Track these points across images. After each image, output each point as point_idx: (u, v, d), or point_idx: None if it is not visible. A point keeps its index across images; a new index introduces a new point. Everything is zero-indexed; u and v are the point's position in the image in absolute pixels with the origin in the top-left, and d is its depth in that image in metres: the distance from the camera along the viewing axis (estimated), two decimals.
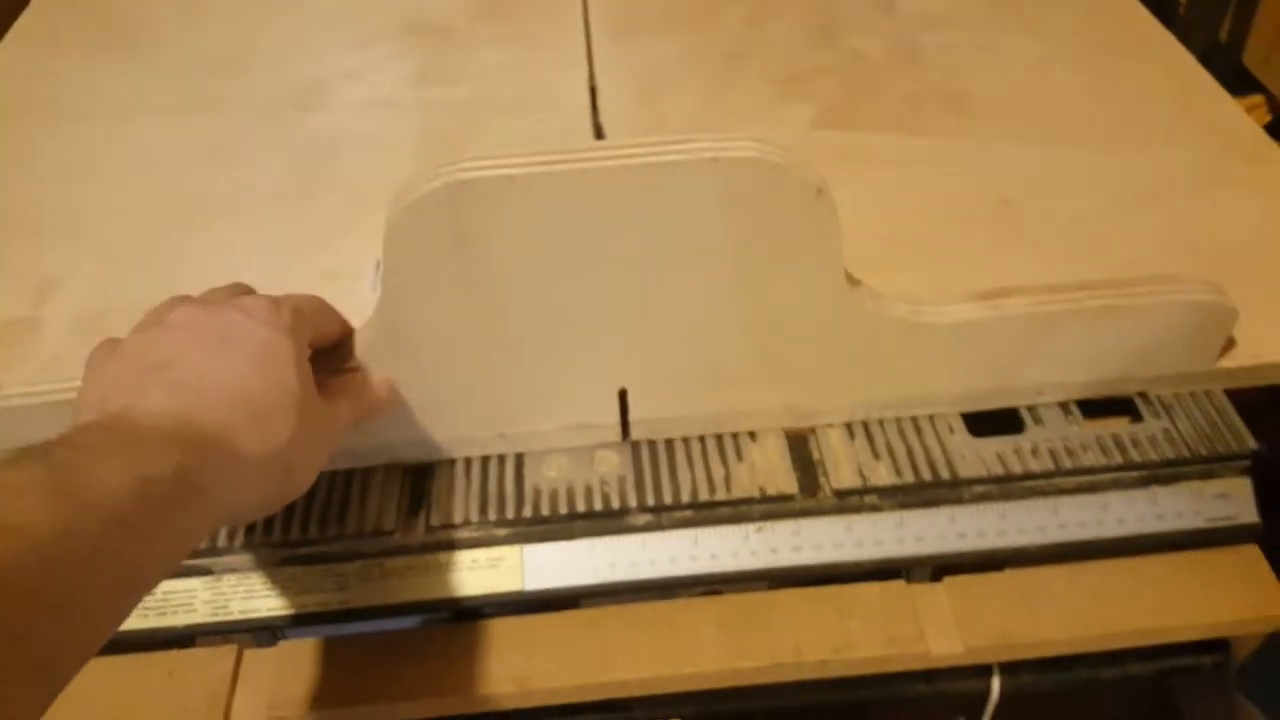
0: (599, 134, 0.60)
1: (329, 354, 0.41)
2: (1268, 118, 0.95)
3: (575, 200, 0.35)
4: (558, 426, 0.44)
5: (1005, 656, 0.46)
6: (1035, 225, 0.52)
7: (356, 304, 0.45)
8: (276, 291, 0.39)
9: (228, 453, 0.32)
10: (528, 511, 0.43)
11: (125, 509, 0.28)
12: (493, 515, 0.43)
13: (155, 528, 0.29)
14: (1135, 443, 0.45)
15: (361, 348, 0.40)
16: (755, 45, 0.67)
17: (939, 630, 0.45)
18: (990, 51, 0.64)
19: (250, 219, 0.57)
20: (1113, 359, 0.44)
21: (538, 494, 0.44)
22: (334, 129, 0.63)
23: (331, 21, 0.73)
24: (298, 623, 0.45)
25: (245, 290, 0.40)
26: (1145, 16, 0.68)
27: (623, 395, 0.42)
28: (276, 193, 0.58)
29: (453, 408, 0.43)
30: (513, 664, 0.44)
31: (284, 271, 0.53)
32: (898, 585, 0.46)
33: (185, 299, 0.38)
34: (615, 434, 0.44)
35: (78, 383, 0.37)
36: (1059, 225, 0.52)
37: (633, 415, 0.43)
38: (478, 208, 0.35)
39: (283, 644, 0.46)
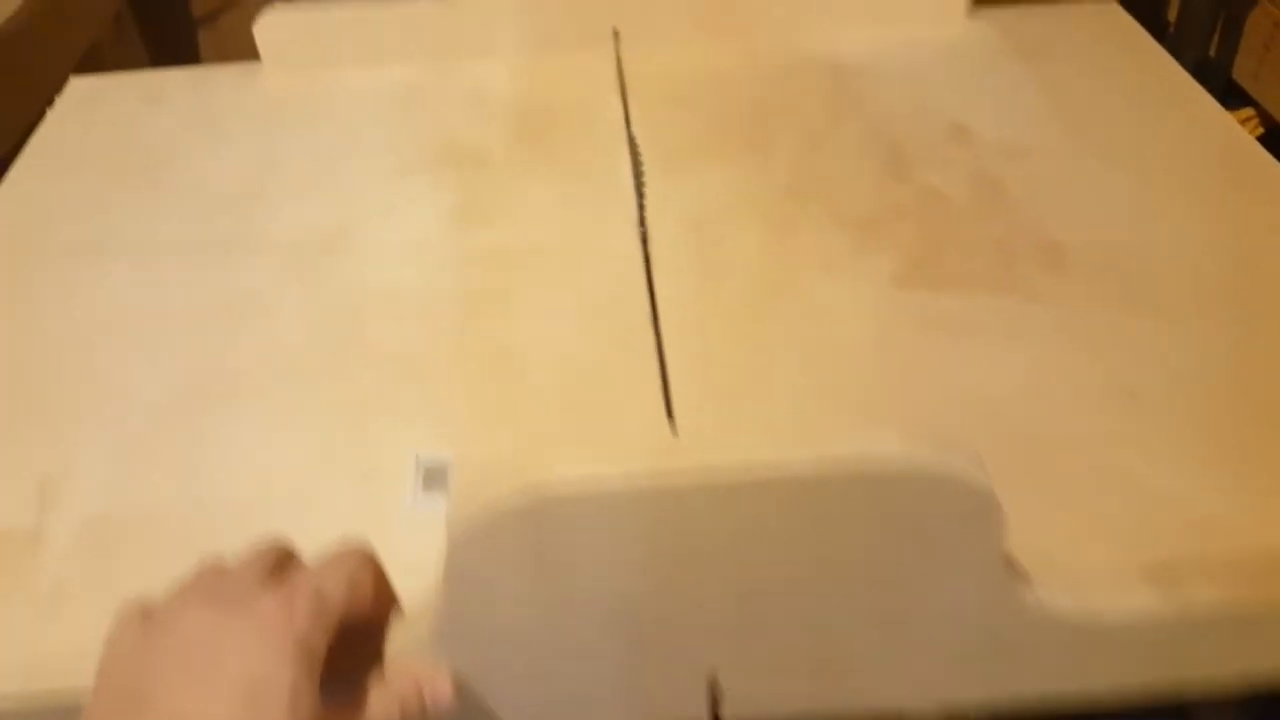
0: (653, 298, 0.51)
1: (367, 631, 0.33)
2: (1260, 130, 0.91)
3: (681, 516, 0.26)
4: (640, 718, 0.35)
5: None
6: (1168, 425, 0.42)
7: (397, 512, 0.42)
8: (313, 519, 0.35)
9: None
10: None
11: None
12: None
13: None
14: None
15: (413, 644, 0.32)
16: (816, 178, 0.58)
17: None
18: (1078, 186, 0.55)
19: (275, 398, 0.48)
20: None
21: None
22: (364, 281, 0.54)
23: (360, 146, 0.64)
24: None
25: (279, 561, 0.32)
26: (1243, 137, 0.59)
27: (714, 686, 0.34)
28: (303, 363, 0.50)
29: (519, 700, 0.34)
30: None
31: (315, 478, 0.44)
32: None
33: (209, 583, 0.32)
34: None
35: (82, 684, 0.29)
36: (1197, 426, 0.42)
37: (725, 710, 0.35)
38: (564, 523, 0.26)
39: None
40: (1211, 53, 0.91)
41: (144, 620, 0.30)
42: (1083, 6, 0.72)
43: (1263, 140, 0.58)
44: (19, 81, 0.85)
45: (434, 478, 0.44)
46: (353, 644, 0.32)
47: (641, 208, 0.57)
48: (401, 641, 0.31)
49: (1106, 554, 0.37)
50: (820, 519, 0.26)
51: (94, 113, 0.70)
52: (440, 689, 0.31)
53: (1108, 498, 0.40)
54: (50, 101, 0.71)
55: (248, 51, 0.71)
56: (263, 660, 0.28)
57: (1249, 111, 0.93)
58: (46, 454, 0.46)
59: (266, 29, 0.70)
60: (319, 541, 0.41)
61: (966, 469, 0.26)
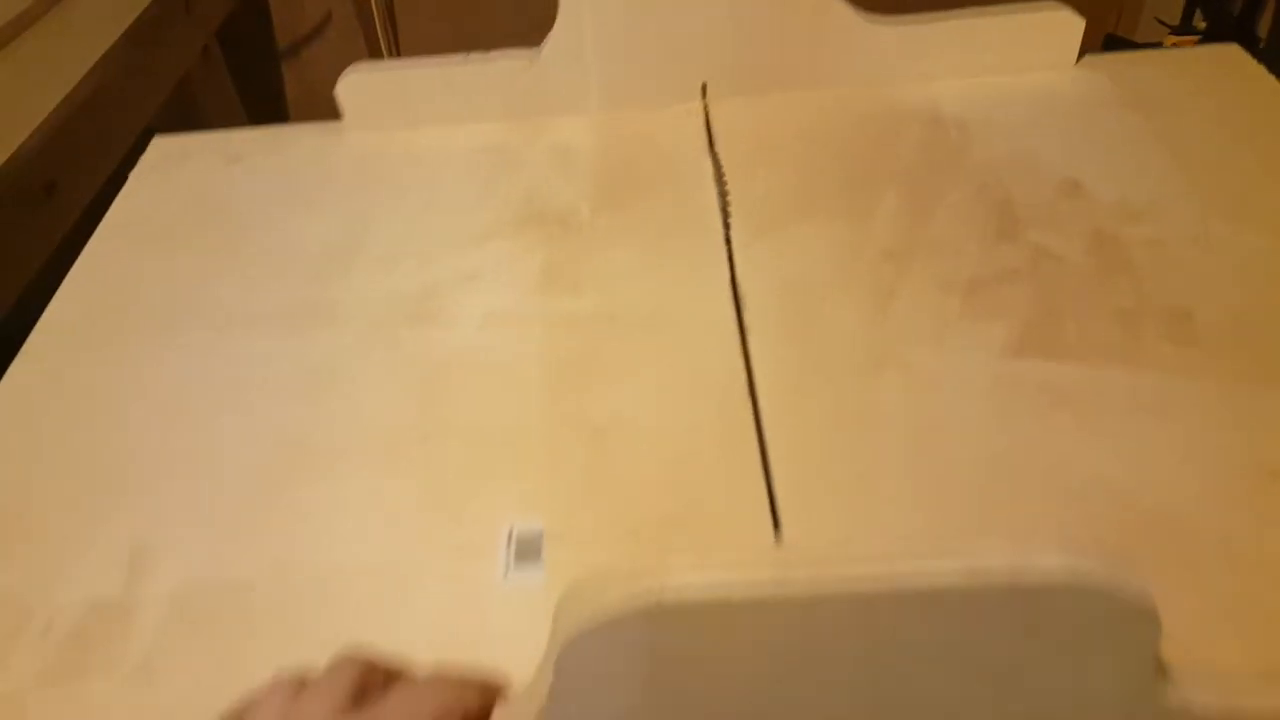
0: (749, 370, 0.50)
1: None
2: None
3: (810, 625, 0.25)
4: None
5: None
6: None
7: (491, 585, 0.42)
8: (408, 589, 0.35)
9: None
10: None
11: None
12: None
13: None
14: None
15: None
16: (918, 238, 0.57)
17: None
18: (1207, 250, 0.54)
19: (361, 470, 0.49)
20: None
21: None
22: (450, 350, 0.54)
23: (445, 209, 0.65)
24: None
25: (357, 680, 0.31)
26: None
27: None
28: (390, 434, 0.50)
29: None
30: None
31: (406, 551, 0.45)
32: None
33: (283, 707, 0.30)
34: None
35: None
36: None
37: None
38: (682, 630, 0.26)
39: None
40: None
41: None
42: (1200, 50, 0.70)
43: None
44: (120, 107, 0.89)
45: (527, 549, 0.44)
46: None
47: (733, 271, 0.57)
48: None
49: (1254, 649, 0.35)
50: (963, 631, 0.25)
51: (175, 173, 0.72)
52: None
53: (1251, 586, 0.38)
54: (141, 139, 0.74)
55: (329, 81, 0.72)
56: None
57: None
58: (135, 525, 0.47)
59: (349, 89, 0.72)
60: (411, 619, 0.42)
61: (1127, 580, 0.25)
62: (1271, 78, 0.66)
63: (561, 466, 0.47)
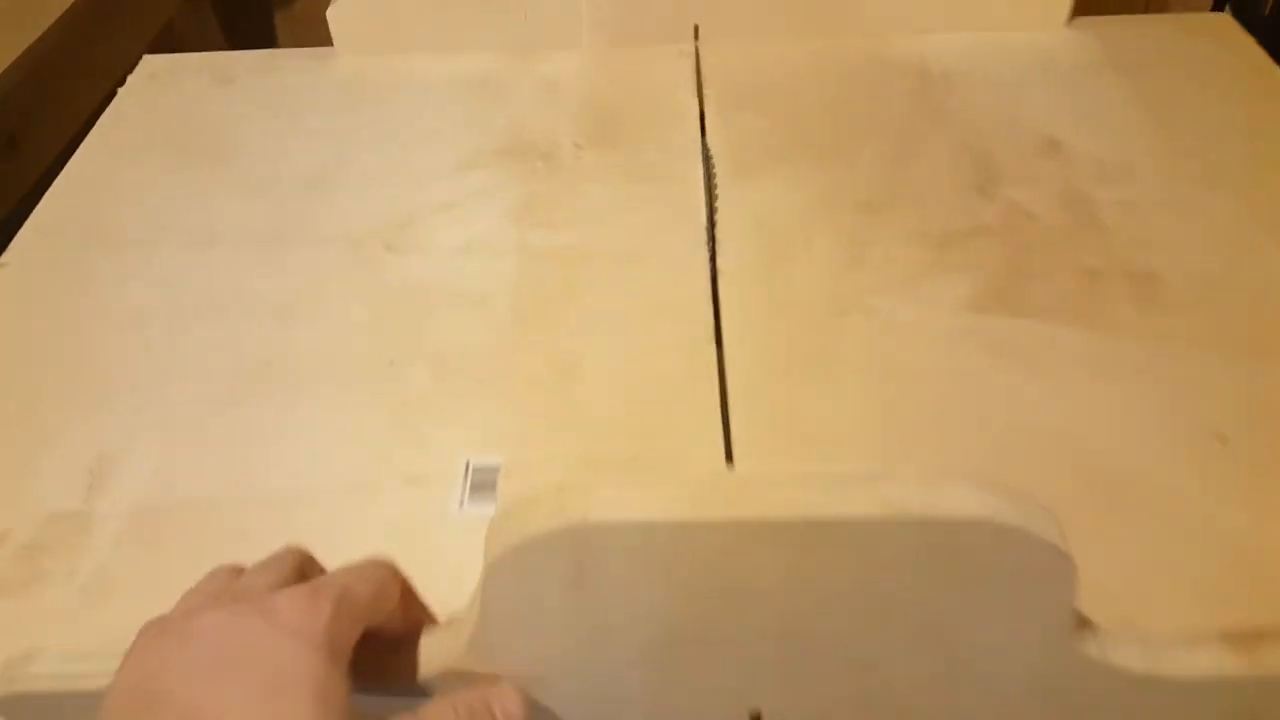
0: (717, 310, 0.51)
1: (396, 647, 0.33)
2: None
3: (727, 551, 0.26)
4: None
5: None
6: (1260, 474, 0.42)
7: (445, 515, 0.43)
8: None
9: None
10: None
11: None
12: None
13: None
14: None
15: (448, 668, 0.32)
16: (896, 191, 0.57)
17: None
18: (1177, 213, 0.54)
19: (327, 393, 0.49)
20: None
21: None
22: (425, 278, 0.55)
23: (430, 138, 0.65)
24: None
25: (297, 567, 0.32)
26: None
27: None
28: (358, 359, 0.51)
29: None
30: None
31: (361, 473, 0.45)
32: None
33: (224, 586, 0.32)
34: None
35: (112, 666, 0.30)
36: None
37: None
38: (604, 550, 0.26)
39: None
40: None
41: (159, 630, 0.30)
42: (1191, 17, 0.70)
43: None
44: (90, 58, 0.88)
45: (483, 483, 0.45)
46: (383, 660, 0.32)
47: (711, 214, 0.57)
48: (437, 654, 0.32)
49: (1183, 609, 0.36)
50: (878, 564, 0.26)
51: (164, 92, 0.72)
52: (510, 703, 0.31)
53: (1188, 548, 0.39)
54: (122, 80, 0.74)
55: (323, 37, 0.72)
56: (281, 651, 0.28)
57: None
58: (98, 439, 0.48)
59: (340, 13, 0.71)
60: (365, 540, 0.42)
61: (1040, 517, 0.25)
62: (1259, 48, 0.66)
63: (525, 399, 0.48)
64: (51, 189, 0.64)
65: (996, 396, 0.45)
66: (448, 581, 0.36)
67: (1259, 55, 0.65)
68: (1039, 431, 0.43)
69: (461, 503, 0.44)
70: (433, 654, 0.31)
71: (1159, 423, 0.43)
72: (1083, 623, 0.29)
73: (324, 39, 0.73)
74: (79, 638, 0.40)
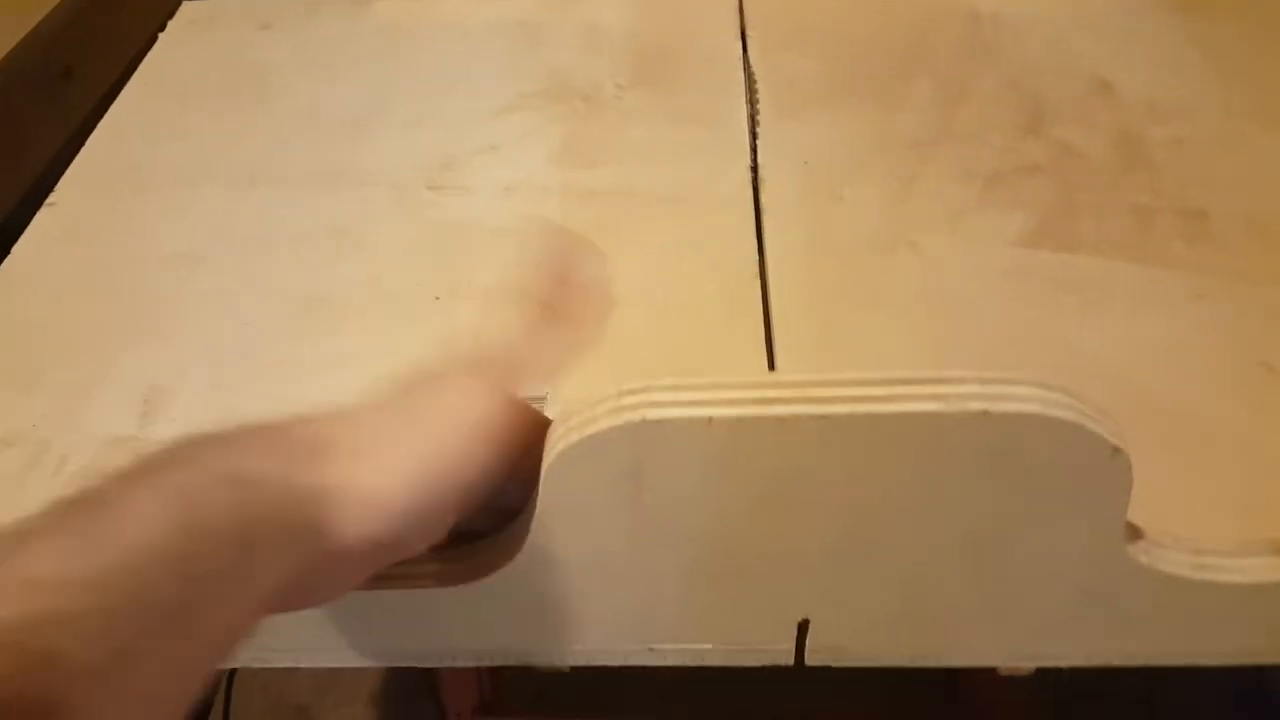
0: (761, 247, 0.51)
1: None
2: None
3: (787, 447, 0.26)
4: (721, 647, 0.36)
5: None
6: None
7: None
8: None
9: None
10: None
11: None
12: None
13: None
14: None
15: (506, 559, 0.33)
16: (945, 130, 0.57)
17: None
18: (1231, 152, 0.53)
19: (374, 326, 0.50)
20: None
21: None
22: (467, 216, 0.55)
23: (470, 81, 0.65)
24: None
25: None
26: None
27: (802, 626, 0.34)
28: (403, 293, 0.51)
29: (601, 620, 0.35)
30: None
31: None
32: None
33: None
34: (788, 658, 0.36)
35: None
36: None
37: (811, 645, 0.35)
38: (664, 446, 0.27)
39: None
40: None
41: None
42: None
43: None
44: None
45: None
46: None
47: (755, 153, 0.57)
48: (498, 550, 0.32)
49: (1230, 527, 0.36)
50: (936, 461, 0.26)
51: (204, 37, 0.73)
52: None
53: (1236, 470, 0.39)
54: (162, 25, 0.74)
55: None
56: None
57: None
58: (151, 368, 0.49)
59: None
60: None
61: (1097, 416, 0.25)
62: None
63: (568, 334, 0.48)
64: (95, 132, 0.65)
65: (1046, 330, 0.45)
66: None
67: None
68: (1088, 363, 0.43)
69: None
70: (494, 551, 0.32)
71: (1208, 354, 0.43)
72: (1134, 531, 0.29)
73: None
74: None
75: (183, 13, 0.76)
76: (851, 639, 0.35)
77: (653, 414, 0.26)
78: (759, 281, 0.49)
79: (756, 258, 0.51)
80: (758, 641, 0.35)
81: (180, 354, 0.49)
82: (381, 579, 0.29)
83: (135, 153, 0.62)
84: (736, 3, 0.69)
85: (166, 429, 0.46)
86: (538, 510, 0.30)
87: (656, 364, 0.46)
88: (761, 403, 0.26)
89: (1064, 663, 0.36)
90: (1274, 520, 0.38)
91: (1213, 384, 0.42)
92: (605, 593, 0.32)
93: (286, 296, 0.52)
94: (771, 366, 0.45)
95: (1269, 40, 0.60)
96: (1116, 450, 0.26)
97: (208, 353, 0.49)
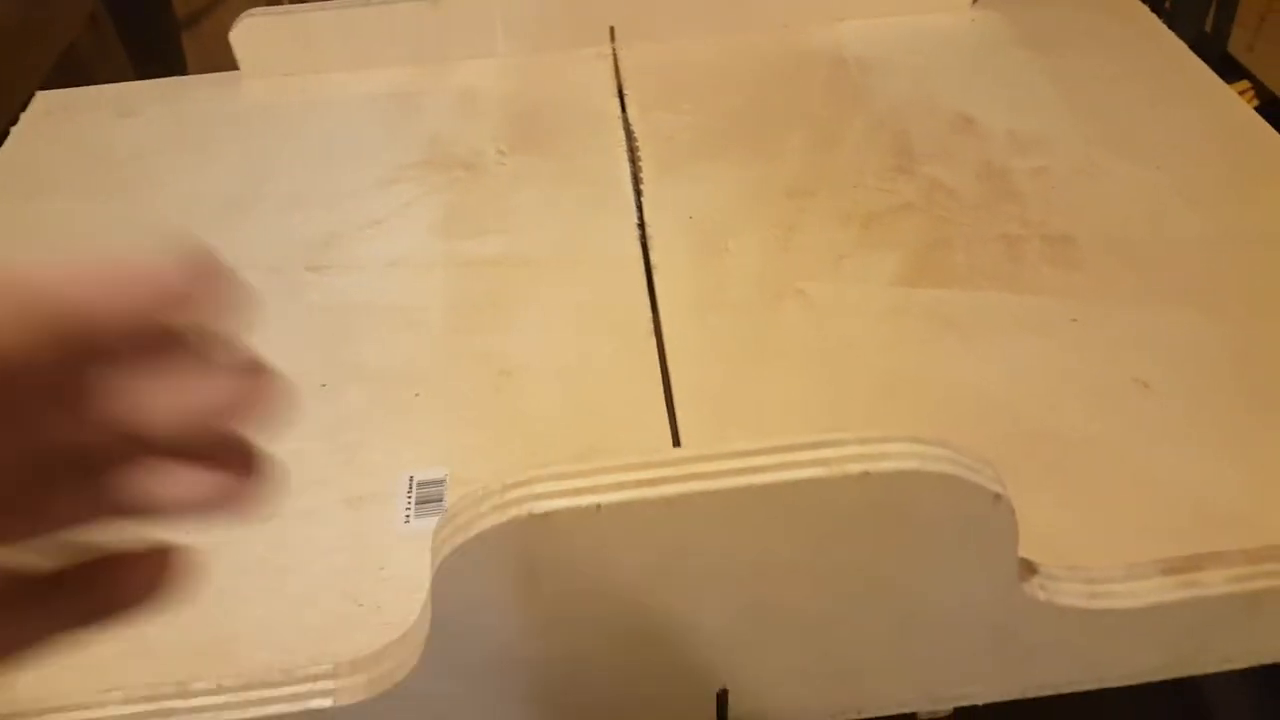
0: (654, 304, 0.52)
1: None
2: (1256, 101, 0.95)
3: (678, 524, 0.27)
4: None
5: None
6: (1181, 415, 0.44)
7: (392, 531, 0.43)
8: None
9: None
10: None
11: None
12: None
13: None
14: None
15: (403, 667, 0.32)
16: (821, 176, 0.59)
17: None
18: (1091, 180, 0.56)
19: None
20: None
21: None
22: (351, 298, 0.55)
23: (348, 155, 0.65)
24: None
25: None
26: (1257, 122, 0.60)
27: (721, 696, 0.34)
28: (291, 381, 0.51)
29: (517, 717, 0.35)
30: None
31: (307, 498, 0.45)
32: None
33: None
34: None
35: None
36: (1211, 415, 0.44)
37: (733, 713, 0.35)
38: (554, 540, 0.27)
39: None
40: (1207, 27, 0.95)
41: None
42: None
43: (1260, 110, 0.60)
44: None
45: (429, 495, 0.45)
46: None
47: (640, 210, 0.58)
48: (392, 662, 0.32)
49: (1121, 549, 0.38)
50: (825, 525, 0.27)
51: (62, 128, 0.71)
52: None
53: (1122, 489, 0.41)
54: (14, 118, 0.72)
55: (233, 58, 0.72)
56: None
57: (1245, 84, 0.98)
58: None
59: (243, 35, 0.71)
60: (312, 560, 0.42)
61: (973, 464, 0.26)
62: (1155, 18, 0.69)
63: (466, 410, 0.48)
64: None
65: (932, 365, 0.47)
66: (398, 595, 0.36)
67: (1158, 27, 0.68)
68: (971, 396, 0.45)
69: (408, 518, 0.44)
70: (389, 660, 0.31)
71: (1085, 375, 0.45)
72: (1027, 567, 0.31)
73: (234, 59, 0.72)
74: None
75: (37, 102, 0.74)
76: (772, 702, 0.35)
77: (539, 507, 0.26)
78: (654, 340, 0.50)
79: (651, 316, 0.51)
80: (680, 716, 0.35)
81: None
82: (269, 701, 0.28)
83: None
84: (612, 62, 0.70)
85: None
86: (431, 616, 0.30)
87: (560, 433, 0.47)
88: (648, 484, 0.26)
89: (979, 700, 0.37)
90: (1162, 535, 0.39)
91: (1093, 404, 0.44)
92: (516, 690, 0.32)
93: None
94: (673, 425, 0.46)
95: (1117, 75, 0.64)
96: (998, 497, 0.27)
97: None
